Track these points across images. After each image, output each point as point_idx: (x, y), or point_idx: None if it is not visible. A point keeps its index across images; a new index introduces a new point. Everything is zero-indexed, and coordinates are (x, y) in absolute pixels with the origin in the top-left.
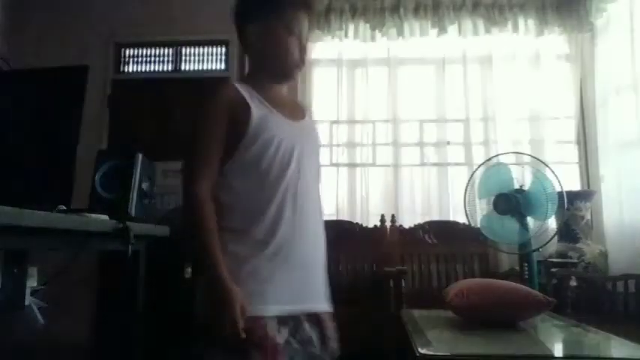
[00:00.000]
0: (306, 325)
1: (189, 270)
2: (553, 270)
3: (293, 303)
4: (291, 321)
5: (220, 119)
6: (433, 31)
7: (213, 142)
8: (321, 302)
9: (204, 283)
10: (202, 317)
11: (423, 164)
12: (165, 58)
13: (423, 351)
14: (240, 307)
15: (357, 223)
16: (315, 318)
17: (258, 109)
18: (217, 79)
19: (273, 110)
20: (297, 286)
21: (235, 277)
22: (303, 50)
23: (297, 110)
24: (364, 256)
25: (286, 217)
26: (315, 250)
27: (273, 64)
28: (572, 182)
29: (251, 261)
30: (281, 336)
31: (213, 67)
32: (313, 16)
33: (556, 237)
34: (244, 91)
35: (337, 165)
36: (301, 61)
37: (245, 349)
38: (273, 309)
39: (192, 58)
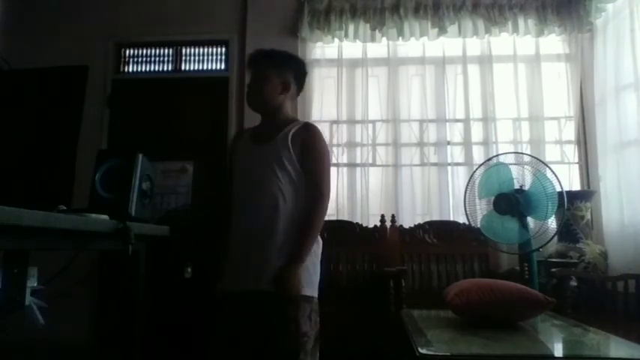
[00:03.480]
0: None
1: (189, 270)
2: (553, 270)
3: None
4: None
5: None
6: (433, 31)
7: None
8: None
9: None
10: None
11: (423, 164)
12: (165, 58)
13: (423, 351)
14: None
15: (357, 223)
16: None
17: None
18: (217, 79)
19: (247, 140)
20: None
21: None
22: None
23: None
24: (364, 256)
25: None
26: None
27: (291, 107)
28: (572, 182)
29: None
30: None
31: (213, 67)
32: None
33: (556, 237)
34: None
35: (337, 165)
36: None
37: None
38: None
39: (192, 58)
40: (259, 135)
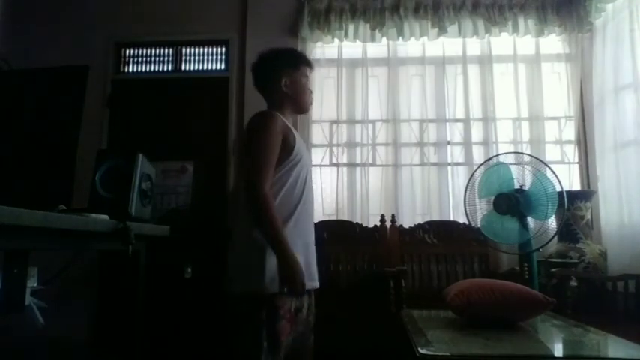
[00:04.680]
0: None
1: (189, 270)
2: (553, 270)
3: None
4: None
5: (277, 137)
6: (433, 31)
7: (274, 154)
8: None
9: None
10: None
11: (423, 164)
12: (166, 58)
13: (423, 351)
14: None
15: (357, 223)
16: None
17: (297, 138)
18: (217, 79)
19: (302, 141)
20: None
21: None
22: (311, 97)
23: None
24: (364, 256)
25: (306, 215)
26: (313, 237)
27: (293, 104)
28: (572, 182)
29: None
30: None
31: (213, 67)
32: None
33: (556, 237)
34: (286, 121)
35: (337, 165)
36: (310, 105)
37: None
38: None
39: (192, 58)
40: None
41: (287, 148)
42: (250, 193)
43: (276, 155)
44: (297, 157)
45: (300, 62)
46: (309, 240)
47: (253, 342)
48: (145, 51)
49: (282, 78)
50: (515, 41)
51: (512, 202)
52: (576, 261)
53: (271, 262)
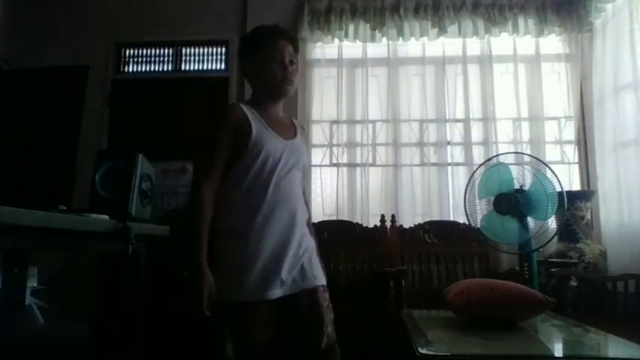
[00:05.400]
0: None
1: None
2: (553, 270)
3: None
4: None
5: (228, 133)
6: (433, 31)
7: (221, 152)
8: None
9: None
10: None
11: (423, 164)
12: (166, 58)
13: (423, 351)
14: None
15: (357, 223)
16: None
17: (257, 127)
18: (217, 79)
19: (268, 128)
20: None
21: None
22: (285, 69)
23: (289, 130)
24: (364, 256)
25: (279, 211)
26: (293, 235)
27: (263, 88)
28: (572, 182)
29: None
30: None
31: (213, 67)
32: (296, 43)
33: (556, 237)
34: (248, 111)
35: (337, 165)
36: (285, 79)
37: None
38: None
39: (192, 58)
40: (275, 124)
41: (242, 141)
42: (191, 194)
43: (222, 153)
44: (255, 149)
45: (261, 40)
46: (284, 238)
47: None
48: (145, 51)
49: (245, 67)
50: (515, 41)
51: (512, 202)
52: (576, 261)
53: (224, 266)
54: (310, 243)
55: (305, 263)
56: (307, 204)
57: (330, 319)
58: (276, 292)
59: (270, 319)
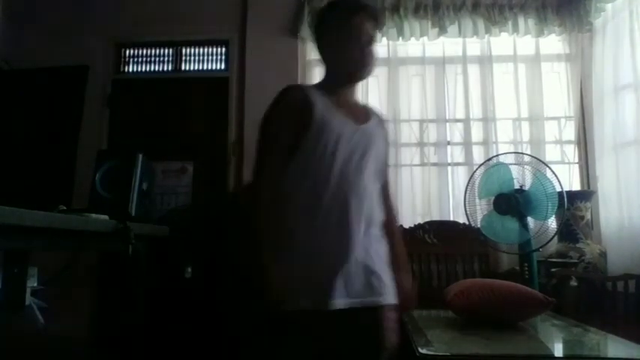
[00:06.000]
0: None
1: (189, 270)
2: (553, 270)
3: None
4: None
5: (286, 120)
6: (433, 31)
7: (280, 144)
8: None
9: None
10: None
11: (423, 164)
12: (166, 58)
13: (423, 351)
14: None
15: None
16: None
17: (321, 109)
18: (217, 79)
19: (336, 112)
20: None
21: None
22: (365, 53)
23: (363, 114)
24: None
25: (339, 209)
26: (353, 239)
27: (336, 69)
28: (572, 182)
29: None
30: None
31: (213, 67)
32: (376, 19)
33: (556, 237)
34: (310, 92)
35: None
36: (364, 63)
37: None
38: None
39: (192, 58)
40: (345, 108)
41: (303, 127)
42: (252, 194)
43: (281, 145)
44: (319, 134)
45: (335, 15)
46: (348, 240)
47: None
48: (145, 51)
49: (318, 45)
50: (515, 41)
51: (512, 202)
52: (576, 261)
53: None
54: (381, 250)
55: (371, 274)
56: (388, 203)
57: (391, 344)
58: (335, 303)
59: (322, 333)
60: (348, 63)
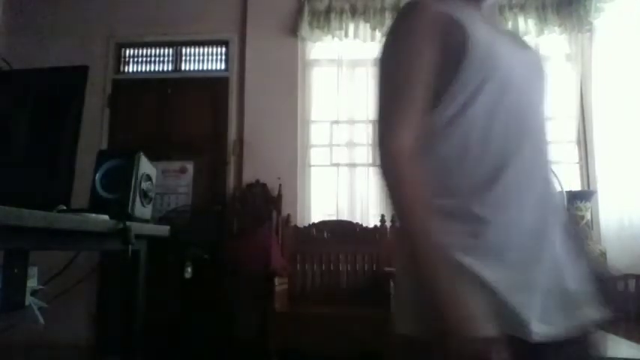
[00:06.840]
0: None
1: (189, 270)
2: None
3: None
4: None
5: (428, 45)
6: None
7: (420, 80)
8: None
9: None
10: None
11: None
12: (166, 58)
13: None
14: None
15: (357, 223)
16: None
17: (477, 31)
18: (217, 79)
19: (497, 34)
20: None
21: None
22: None
23: (513, 37)
24: (364, 256)
25: (529, 180)
26: (551, 219)
27: None
28: (572, 182)
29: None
30: None
31: (213, 67)
32: None
33: None
34: (453, 7)
35: (337, 165)
36: None
37: None
38: None
39: (192, 58)
40: (496, 30)
41: (453, 59)
42: (379, 157)
43: (424, 79)
44: (481, 71)
45: None
46: (538, 235)
47: None
48: (145, 51)
49: None
50: None
51: None
52: None
53: None
54: (579, 245)
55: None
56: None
57: None
58: (535, 330)
59: None
60: None
